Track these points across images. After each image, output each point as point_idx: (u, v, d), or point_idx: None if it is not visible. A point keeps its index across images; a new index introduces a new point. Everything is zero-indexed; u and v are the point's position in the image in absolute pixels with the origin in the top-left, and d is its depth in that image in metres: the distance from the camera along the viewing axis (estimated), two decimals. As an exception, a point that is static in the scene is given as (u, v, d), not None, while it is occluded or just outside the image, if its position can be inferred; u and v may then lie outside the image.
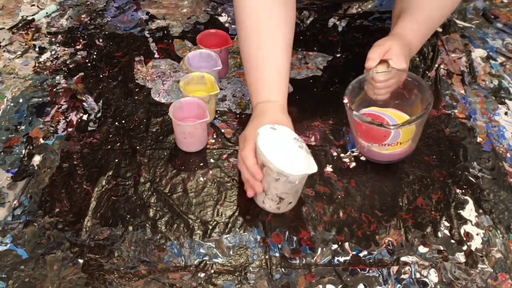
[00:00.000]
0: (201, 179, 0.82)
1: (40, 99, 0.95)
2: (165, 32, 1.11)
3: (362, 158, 0.85)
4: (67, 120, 0.91)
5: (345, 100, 0.79)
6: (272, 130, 0.72)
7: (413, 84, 0.81)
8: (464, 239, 0.75)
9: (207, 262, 0.72)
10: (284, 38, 0.80)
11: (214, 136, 0.89)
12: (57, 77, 1.00)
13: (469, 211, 0.78)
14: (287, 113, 0.79)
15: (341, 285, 0.69)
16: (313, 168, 0.70)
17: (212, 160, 0.85)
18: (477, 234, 0.75)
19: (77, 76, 1.00)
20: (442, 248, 0.74)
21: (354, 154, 0.86)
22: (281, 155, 0.69)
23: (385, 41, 0.82)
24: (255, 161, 0.72)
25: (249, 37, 0.80)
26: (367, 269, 0.71)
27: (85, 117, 0.92)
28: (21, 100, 0.95)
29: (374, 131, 0.78)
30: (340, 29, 1.12)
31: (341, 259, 0.72)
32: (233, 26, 1.12)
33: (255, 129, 0.73)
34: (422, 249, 0.74)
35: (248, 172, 0.73)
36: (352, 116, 0.78)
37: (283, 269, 0.71)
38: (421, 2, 0.85)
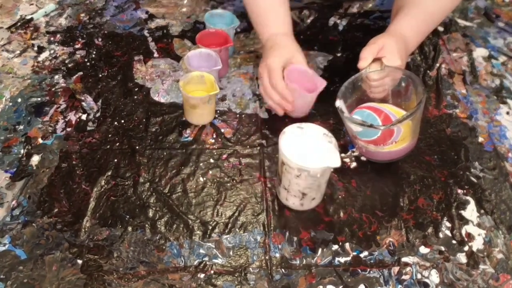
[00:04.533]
0: (201, 179, 0.82)
1: (39, 99, 0.95)
2: (165, 31, 1.11)
3: (363, 158, 0.85)
4: (66, 119, 0.91)
5: (337, 103, 0.77)
6: (299, 129, 0.73)
7: (407, 81, 0.80)
8: (466, 239, 0.74)
9: (207, 263, 0.71)
10: None
11: (214, 136, 0.88)
12: (56, 77, 0.99)
13: (470, 211, 0.78)
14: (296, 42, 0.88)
15: (341, 286, 0.69)
16: (335, 162, 0.68)
17: (212, 160, 0.85)
18: (479, 235, 0.75)
19: (76, 75, 1.00)
20: (443, 249, 0.73)
21: (355, 154, 0.85)
22: (303, 152, 0.70)
23: (378, 39, 0.81)
24: (284, 85, 0.82)
25: None
26: (368, 269, 0.71)
27: (84, 116, 0.92)
28: (19, 100, 0.95)
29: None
30: (340, 28, 1.12)
31: (342, 259, 0.72)
32: (233, 25, 1.12)
33: (277, 58, 0.82)
34: (423, 249, 0.73)
35: (279, 96, 0.84)
36: (344, 118, 0.77)
37: (283, 270, 0.71)
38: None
